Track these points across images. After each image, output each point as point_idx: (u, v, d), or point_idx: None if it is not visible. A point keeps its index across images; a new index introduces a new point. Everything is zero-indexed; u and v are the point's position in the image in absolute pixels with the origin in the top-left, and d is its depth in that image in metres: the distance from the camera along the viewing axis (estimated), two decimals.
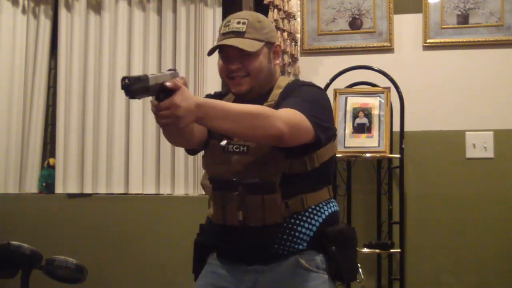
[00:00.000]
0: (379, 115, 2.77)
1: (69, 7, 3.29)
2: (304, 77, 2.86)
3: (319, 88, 1.68)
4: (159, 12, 3.23)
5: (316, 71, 2.98)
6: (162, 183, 3.16)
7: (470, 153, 2.85)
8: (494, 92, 2.86)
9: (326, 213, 1.61)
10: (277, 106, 1.57)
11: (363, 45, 2.97)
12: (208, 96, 1.79)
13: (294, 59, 2.90)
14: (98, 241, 3.15)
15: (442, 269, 2.85)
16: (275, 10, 2.84)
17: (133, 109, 3.18)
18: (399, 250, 2.74)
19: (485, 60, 2.88)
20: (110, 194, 3.18)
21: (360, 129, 2.78)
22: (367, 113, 2.78)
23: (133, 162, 3.16)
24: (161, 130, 1.62)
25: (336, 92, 2.81)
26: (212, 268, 1.66)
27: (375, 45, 2.96)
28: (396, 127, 2.80)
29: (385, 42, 2.95)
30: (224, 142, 1.59)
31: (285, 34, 2.86)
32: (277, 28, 2.83)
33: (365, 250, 2.70)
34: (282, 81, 1.69)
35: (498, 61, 2.87)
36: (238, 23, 1.62)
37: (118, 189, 3.17)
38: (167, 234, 3.07)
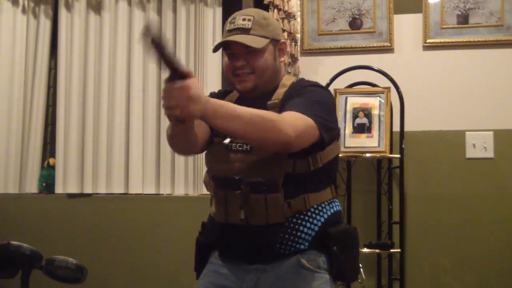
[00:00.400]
0: (379, 115, 2.77)
1: (69, 7, 3.29)
2: (304, 77, 2.85)
3: (324, 88, 1.68)
4: (159, 12, 3.23)
5: (316, 71, 2.98)
6: (162, 183, 3.16)
7: (470, 153, 2.85)
8: (494, 92, 2.86)
9: (328, 213, 1.61)
10: (281, 105, 1.57)
11: (363, 45, 2.97)
12: (212, 94, 1.79)
13: (294, 59, 2.90)
14: (98, 241, 3.15)
15: (442, 269, 2.85)
16: (275, 10, 2.84)
17: (133, 109, 3.19)
18: (399, 250, 2.74)
19: (485, 60, 2.88)
20: (110, 194, 3.18)
21: (360, 129, 2.78)
22: (367, 113, 2.78)
23: (133, 162, 3.17)
24: (165, 128, 1.62)
25: (336, 92, 2.81)
26: (214, 267, 1.66)
27: (375, 45, 2.96)
28: (396, 127, 2.80)
29: (385, 42, 2.95)
30: (227, 140, 1.59)
31: (285, 34, 2.86)
32: None
33: (365, 250, 2.70)
34: (287, 80, 1.69)
35: (498, 61, 2.87)
36: (244, 19, 1.61)
37: (118, 189, 3.17)
38: (167, 234, 3.07)
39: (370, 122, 2.77)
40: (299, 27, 2.99)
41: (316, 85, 1.65)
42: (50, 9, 3.37)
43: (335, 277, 1.60)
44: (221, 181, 1.59)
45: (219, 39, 3.12)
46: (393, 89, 2.79)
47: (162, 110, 1.54)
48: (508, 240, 2.80)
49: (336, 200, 1.67)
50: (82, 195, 3.22)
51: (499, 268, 2.81)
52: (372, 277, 2.87)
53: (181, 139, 1.57)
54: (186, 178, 3.13)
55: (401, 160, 2.75)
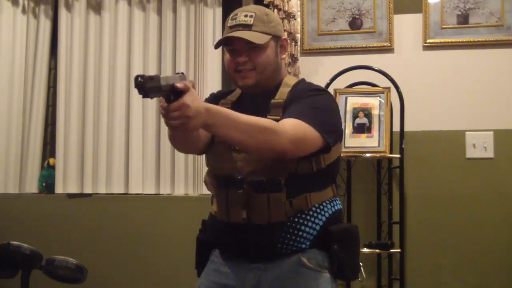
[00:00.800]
0: (379, 115, 2.77)
1: (69, 7, 3.29)
2: (304, 77, 2.83)
3: (326, 91, 1.67)
4: (159, 12, 3.23)
5: (316, 71, 2.98)
6: (162, 183, 3.16)
7: (470, 153, 2.85)
8: (494, 92, 2.86)
9: (330, 211, 1.61)
10: (285, 107, 1.58)
11: (363, 45, 2.97)
12: (212, 95, 1.79)
13: (294, 59, 2.90)
14: (98, 241, 3.15)
15: (442, 269, 2.85)
16: (275, 10, 2.84)
17: (133, 109, 3.19)
18: (399, 250, 2.74)
19: (485, 60, 2.87)
20: (110, 194, 3.18)
21: (360, 129, 2.78)
22: (367, 113, 2.78)
23: (133, 162, 3.17)
24: (165, 128, 1.62)
25: (336, 92, 2.81)
26: (215, 266, 1.67)
27: (375, 45, 2.96)
28: (396, 127, 2.80)
29: (385, 42, 2.95)
30: None
31: (285, 34, 2.86)
32: None
33: (365, 250, 2.70)
34: (290, 80, 1.69)
35: (498, 61, 2.87)
36: (246, 16, 1.61)
37: (118, 189, 3.17)
38: (167, 234, 3.07)
39: (370, 122, 2.77)
40: (299, 27, 2.99)
41: (318, 89, 1.65)
42: (50, 9, 3.37)
43: (335, 276, 1.60)
44: (223, 180, 1.59)
45: (219, 38, 3.12)
46: (393, 89, 2.79)
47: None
48: (508, 240, 2.80)
49: (337, 198, 1.67)
50: (82, 195, 3.22)
51: (499, 268, 2.81)
52: (372, 277, 2.87)
53: (182, 140, 1.59)
54: (186, 178, 3.13)
55: (401, 160, 2.75)
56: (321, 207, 1.60)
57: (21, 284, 2.11)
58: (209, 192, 1.72)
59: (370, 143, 2.74)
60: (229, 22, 1.64)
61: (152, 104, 3.18)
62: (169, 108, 1.28)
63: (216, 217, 1.65)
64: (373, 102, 2.79)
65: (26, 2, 3.37)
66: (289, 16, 2.88)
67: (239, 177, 1.55)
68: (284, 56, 1.70)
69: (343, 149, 2.70)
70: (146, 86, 1.23)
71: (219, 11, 3.14)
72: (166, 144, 3.13)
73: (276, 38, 1.65)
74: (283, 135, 1.42)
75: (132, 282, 3.11)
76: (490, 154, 2.84)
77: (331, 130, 1.54)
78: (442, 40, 2.90)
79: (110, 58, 3.23)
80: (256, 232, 1.56)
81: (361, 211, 2.89)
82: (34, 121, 3.34)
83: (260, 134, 1.40)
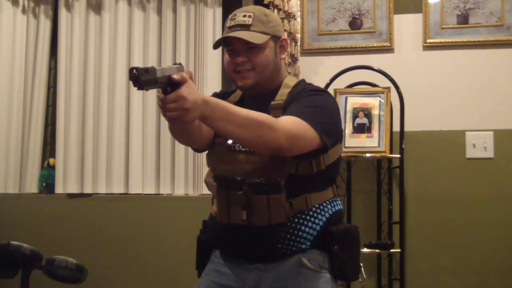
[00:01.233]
0: (379, 115, 2.77)
1: (69, 7, 3.29)
2: (304, 77, 2.85)
3: (326, 92, 1.67)
4: (159, 12, 3.23)
5: (316, 71, 2.98)
6: (162, 183, 3.16)
7: (470, 153, 2.85)
8: (494, 92, 2.86)
9: (330, 212, 1.61)
10: (285, 107, 1.58)
11: (363, 45, 2.97)
12: (214, 94, 1.79)
13: (294, 59, 2.90)
14: (98, 241, 3.15)
15: (442, 269, 2.85)
16: (275, 10, 2.84)
17: (133, 109, 3.19)
18: (399, 250, 2.74)
19: (485, 60, 2.88)
20: (110, 194, 3.18)
21: (360, 129, 2.78)
22: (367, 113, 2.78)
23: (133, 162, 3.17)
24: (165, 128, 1.62)
25: (336, 92, 2.81)
26: (215, 266, 1.67)
27: (375, 45, 2.96)
28: (396, 127, 2.80)
29: (385, 42, 2.95)
30: (230, 141, 1.59)
31: (285, 34, 2.86)
32: None
33: (365, 250, 2.70)
34: (290, 80, 1.69)
35: (498, 61, 2.87)
36: (244, 16, 1.61)
37: (118, 189, 3.17)
38: (167, 234, 3.07)
39: (370, 122, 2.77)
40: (299, 27, 2.99)
41: (318, 89, 1.64)
42: (50, 9, 3.37)
43: (336, 276, 1.60)
44: (223, 181, 1.59)
45: (218, 39, 3.13)
46: (393, 89, 2.79)
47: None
48: (508, 240, 2.80)
49: (337, 199, 1.67)
50: (82, 195, 3.22)
51: (499, 268, 2.81)
52: (372, 277, 2.87)
53: (182, 132, 1.58)
54: (186, 178, 3.13)
55: (401, 160, 2.75)
56: (321, 207, 1.59)
57: (21, 284, 2.11)
58: (209, 192, 1.71)
59: (370, 143, 2.74)
60: (228, 23, 1.64)
61: (152, 104, 3.18)
62: (166, 100, 1.27)
63: (216, 218, 1.65)
64: (373, 102, 2.79)
65: (26, 2, 3.37)
66: (289, 16, 2.88)
67: (239, 178, 1.55)
68: (283, 56, 1.69)
69: (343, 149, 2.70)
70: (141, 78, 1.22)
71: (219, 11, 3.14)
72: (166, 144, 3.13)
73: (276, 38, 1.64)
74: (280, 130, 1.42)
75: (132, 282, 3.11)
76: (490, 154, 2.84)
77: (330, 130, 1.54)
78: (442, 40, 2.90)
79: (110, 58, 3.23)
80: (256, 234, 1.55)
81: (361, 211, 2.89)
82: (34, 121, 3.33)
83: (257, 129, 1.40)
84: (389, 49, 2.95)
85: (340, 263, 1.57)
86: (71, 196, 3.23)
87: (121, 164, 3.18)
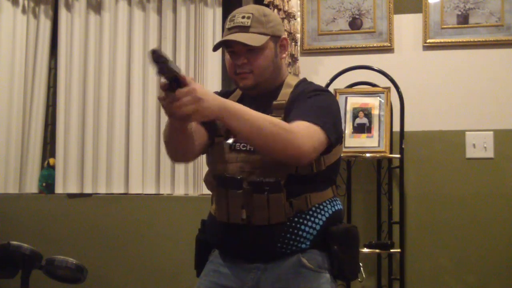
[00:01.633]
0: (379, 115, 2.77)
1: (69, 7, 3.29)
2: (304, 77, 2.86)
3: (328, 92, 1.68)
4: (159, 12, 3.23)
5: (316, 71, 2.98)
6: (162, 183, 3.16)
7: (470, 153, 2.85)
8: (494, 92, 2.86)
9: (330, 211, 1.61)
10: (287, 108, 1.58)
11: (363, 45, 2.97)
12: (215, 93, 1.79)
13: (294, 59, 2.90)
14: (98, 241, 3.15)
15: (442, 269, 2.85)
16: (275, 10, 2.84)
17: (133, 109, 3.19)
18: (399, 250, 2.74)
19: (485, 60, 2.88)
20: (110, 194, 3.18)
21: (360, 129, 2.78)
22: (367, 113, 2.78)
23: (133, 162, 3.16)
24: (162, 137, 1.61)
25: (336, 92, 2.81)
26: (214, 267, 1.66)
27: (375, 45, 2.96)
28: (396, 127, 2.80)
29: (385, 42, 2.95)
30: (231, 140, 1.59)
31: (285, 34, 2.86)
32: None
33: (365, 250, 2.70)
34: (291, 79, 1.69)
35: (498, 61, 2.87)
36: (243, 17, 1.61)
37: (118, 189, 3.17)
38: (167, 234, 3.07)
39: (370, 122, 2.77)
40: (299, 27, 2.99)
41: (320, 89, 1.65)
42: (50, 9, 3.37)
43: (335, 276, 1.60)
44: (223, 180, 1.59)
45: (219, 39, 3.11)
46: (393, 89, 2.79)
47: (162, 110, 1.54)
48: (508, 240, 2.80)
49: (337, 199, 1.67)
50: (82, 195, 3.22)
51: (499, 268, 2.80)
52: (372, 277, 2.87)
53: (179, 144, 1.57)
54: (186, 178, 3.13)
55: (401, 160, 2.75)
56: (321, 207, 1.59)
57: (21, 284, 2.11)
58: (209, 192, 1.71)
59: (370, 143, 2.74)
60: (227, 24, 1.63)
61: (152, 104, 3.18)
62: (176, 95, 1.26)
63: (215, 217, 1.65)
64: (373, 102, 2.79)
65: (26, 2, 3.37)
66: (289, 16, 2.88)
67: (239, 177, 1.55)
68: (284, 55, 1.69)
69: (343, 149, 2.70)
70: (161, 60, 1.22)
71: (219, 11, 3.13)
72: None
73: (276, 38, 1.64)
74: (305, 140, 1.43)
75: (132, 282, 3.11)
76: (490, 154, 2.84)
77: (333, 129, 1.54)
78: (442, 40, 2.90)
79: (110, 58, 3.23)
80: (255, 233, 1.55)
81: (361, 211, 2.89)
82: (34, 121, 3.33)
83: (283, 139, 1.40)
84: (389, 49, 2.95)
85: (340, 263, 1.57)
86: (71, 196, 3.22)
87: (121, 164, 3.18)
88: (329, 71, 2.88)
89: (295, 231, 1.55)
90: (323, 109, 1.54)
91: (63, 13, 3.29)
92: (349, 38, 2.99)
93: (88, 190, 3.20)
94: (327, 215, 1.59)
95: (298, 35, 2.97)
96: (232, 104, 1.38)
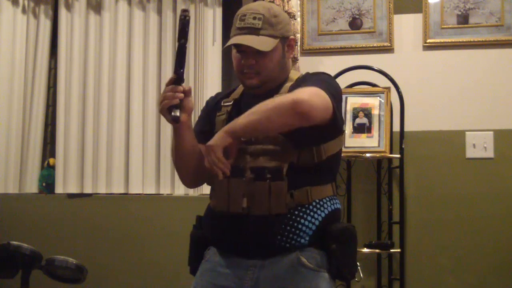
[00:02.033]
0: (379, 115, 2.77)
1: (69, 7, 3.29)
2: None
3: (330, 75, 1.72)
4: (159, 12, 3.23)
5: (316, 71, 2.97)
6: (162, 183, 3.15)
7: (470, 153, 2.85)
8: (494, 92, 2.86)
9: (329, 208, 1.61)
10: None
11: (363, 45, 2.97)
12: (212, 98, 1.81)
13: (294, 59, 2.90)
14: (98, 241, 3.15)
15: (442, 269, 2.85)
16: None
17: (133, 110, 3.19)
18: (399, 250, 2.74)
19: (485, 60, 2.88)
20: (110, 194, 3.18)
21: (360, 129, 2.78)
22: (367, 113, 2.78)
23: (133, 162, 3.16)
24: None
25: None
26: (211, 266, 1.65)
27: (375, 45, 2.96)
28: (396, 127, 2.80)
29: (385, 42, 2.95)
30: None
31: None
32: None
33: (365, 250, 2.70)
34: (294, 74, 1.71)
35: (498, 61, 2.87)
36: (254, 18, 1.61)
37: (118, 189, 3.17)
38: (167, 234, 3.07)
39: (370, 122, 2.77)
40: (299, 27, 2.99)
41: (326, 73, 1.69)
42: (50, 9, 3.37)
43: (333, 276, 1.60)
44: None
45: (219, 39, 3.13)
46: (393, 89, 2.79)
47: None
48: (508, 240, 2.80)
49: (336, 198, 1.68)
50: (82, 195, 3.22)
51: (499, 268, 2.80)
52: (372, 277, 2.87)
53: (187, 157, 1.66)
54: None
55: (401, 160, 2.75)
56: (321, 203, 1.60)
57: (21, 284, 2.12)
58: (209, 192, 1.71)
59: (370, 143, 2.74)
60: (238, 23, 1.64)
61: (152, 103, 3.18)
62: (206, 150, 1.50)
63: (214, 210, 1.65)
64: (373, 102, 2.79)
65: (26, 2, 3.37)
66: (289, 16, 2.88)
67: (241, 166, 1.56)
68: (291, 55, 1.72)
69: (344, 149, 2.70)
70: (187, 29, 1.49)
71: (219, 11, 3.13)
72: (166, 144, 3.13)
73: (284, 39, 1.66)
74: (296, 92, 1.48)
75: (132, 282, 3.10)
76: (490, 154, 2.84)
77: (338, 106, 1.57)
78: (442, 40, 2.90)
79: (110, 58, 3.23)
80: (255, 224, 1.55)
81: (361, 211, 2.89)
82: (34, 121, 3.34)
83: (274, 104, 1.47)
84: (389, 49, 2.95)
85: (338, 262, 1.57)
86: (71, 196, 3.22)
87: (121, 164, 3.17)
88: (329, 71, 2.79)
89: (295, 224, 1.55)
90: (327, 83, 1.57)
91: (63, 13, 3.29)
92: (349, 38, 2.99)
93: (88, 190, 3.20)
94: (326, 212, 1.60)
95: (298, 35, 2.97)
96: (235, 123, 1.49)
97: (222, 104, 1.74)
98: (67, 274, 2.20)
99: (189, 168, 1.68)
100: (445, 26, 2.90)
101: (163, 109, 1.54)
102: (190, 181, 1.78)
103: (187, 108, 1.58)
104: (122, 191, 3.18)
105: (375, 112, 2.77)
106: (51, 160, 3.31)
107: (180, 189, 3.13)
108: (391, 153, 2.76)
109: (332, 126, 1.55)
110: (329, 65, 2.95)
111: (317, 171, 1.60)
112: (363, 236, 2.76)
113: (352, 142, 2.76)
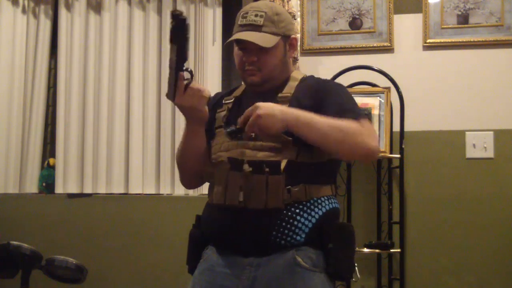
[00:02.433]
0: (379, 115, 2.77)
1: (69, 7, 3.29)
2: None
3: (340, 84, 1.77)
4: (159, 12, 3.23)
5: (316, 71, 2.98)
6: (162, 183, 3.15)
7: (470, 153, 2.85)
8: (494, 92, 2.86)
9: (327, 207, 1.60)
10: (293, 98, 1.61)
11: (363, 45, 2.97)
12: (212, 98, 1.81)
13: (294, 59, 2.90)
14: (98, 241, 3.14)
15: (442, 269, 2.85)
16: None
17: (133, 109, 3.19)
18: (399, 250, 2.74)
19: (485, 60, 2.88)
20: (110, 194, 3.18)
21: None
22: (367, 113, 2.78)
23: (133, 162, 3.16)
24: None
25: None
26: (209, 266, 1.65)
27: (375, 45, 2.96)
28: (396, 127, 2.80)
29: (385, 42, 2.95)
30: (230, 129, 1.60)
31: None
32: None
33: (365, 250, 2.70)
34: (297, 74, 1.72)
35: (498, 61, 2.87)
36: (256, 15, 1.62)
37: (118, 189, 3.17)
38: (167, 234, 3.07)
39: (370, 122, 2.77)
40: (299, 27, 2.99)
41: (344, 87, 1.72)
42: (50, 9, 3.37)
43: (331, 275, 1.59)
44: (224, 163, 1.60)
45: (219, 38, 3.13)
46: (393, 89, 2.79)
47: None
48: (508, 240, 2.80)
49: (335, 198, 1.67)
50: (82, 195, 3.22)
51: (499, 268, 2.81)
52: (372, 277, 2.87)
53: (194, 154, 1.68)
54: None
55: (401, 160, 2.75)
56: (319, 201, 1.59)
57: (21, 284, 2.12)
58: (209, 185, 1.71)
59: None
60: (240, 20, 1.65)
61: (152, 104, 3.18)
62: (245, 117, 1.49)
63: (211, 205, 1.65)
64: (373, 102, 2.79)
65: (26, 2, 3.37)
66: None
67: (239, 159, 1.56)
68: (293, 54, 1.72)
69: None
70: (186, 28, 1.41)
71: (219, 11, 3.13)
72: (166, 144, 3.13)
73: (286, 37, 1.66)
74: (371, 139, 1.52)
75: (132, 282, 3.10)
76: (490, 154, 2.84)
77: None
78: (442, 40, 2.90)
79: (110, 58, 3.23)
80: (251, 218, 1.55)
81: (361, 211, 2.89)
82: (34, 121, 3.33)
83: (353, 141, 1.50)
84: (389, 49, 2.95)
85: (335, 261, 1.56)
86: (71, 196, 3.22)
87: (121, 164, 3.17)
88: (329, 71, 2.87)
89: (291, 220, 1.55)
90: (353, 102, 1.63)
91: (63, 13, 3.29)
92: (349, 38, 2.99)
93: (88, 190, 3.20)
94: (324, 210, 1.59)
95: (298, 35, 2.97)
96: (302, 114, 1.50)
97: (223, 101, 1.74)
98: (67, 274, 2.20)
99: (192, 170, 1.70)
100: (445, 26, 2.90)
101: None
102: (191, 182, 1.79)
103: (204, 112, 1.62)
104: (122, 191, 3.18)
105: (375, 112, 2.77)
106: (51, 160, 3.31)
107: (180, 189, 3.12)
108: (391, 153, 2.76)
109: None
110: (329, 65, 2.95)
111: (316, 171, 1.60)
112: (363, 236, 2.77)
113: None
